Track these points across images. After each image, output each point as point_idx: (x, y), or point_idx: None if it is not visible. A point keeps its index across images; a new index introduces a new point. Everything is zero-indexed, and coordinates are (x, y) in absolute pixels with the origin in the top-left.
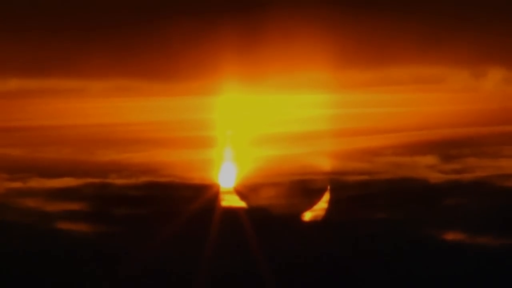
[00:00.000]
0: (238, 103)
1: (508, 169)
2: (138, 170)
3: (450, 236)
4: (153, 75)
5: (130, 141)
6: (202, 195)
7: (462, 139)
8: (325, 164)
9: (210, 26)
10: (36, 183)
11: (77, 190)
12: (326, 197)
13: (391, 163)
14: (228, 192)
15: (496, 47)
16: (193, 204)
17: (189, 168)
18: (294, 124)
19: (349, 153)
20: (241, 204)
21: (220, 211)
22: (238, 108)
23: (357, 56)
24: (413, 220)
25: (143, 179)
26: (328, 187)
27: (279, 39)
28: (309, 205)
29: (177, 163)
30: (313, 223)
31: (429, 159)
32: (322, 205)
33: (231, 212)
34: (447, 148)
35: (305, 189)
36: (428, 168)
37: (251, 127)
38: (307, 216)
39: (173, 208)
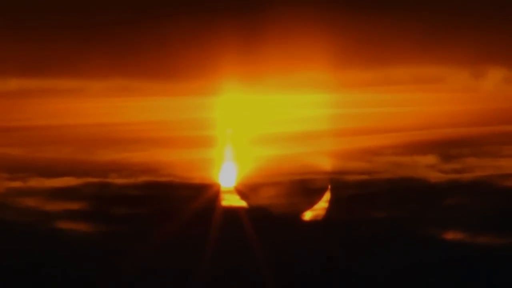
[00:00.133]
0: (238, 102)
1: (508, 168)
2: (138, 170)
3: (450, 235)
4: (153, 75)
5: (130, 140)
6: (202, 194)
7: (462, 139)
8: (325, 163)
9: (210, 26)
10: (36, 182)
11: (77, 189)
12: (326, 196)
13: (391, 163)
14: (229, 192)
15: (496, 47)
16: (193, 204)
17: (189, 167)
18: (294, 123)
19: (349, 152)
20: (242, 203)
21: (220, 211)
22: (238, 107)
23: (357, 56)
24: (413, 219)
25: (143, 178)
26: (328, 187)
27: (279, 39)
28: (309, 205)
29: (177, 162)
30: (313, 223)
31: (429, 159)
32: (322, 204)
33: (232, 211)
34: (447, 147)
35: (305, 188)
36: (428, 167)
37: (251, 127)
38: (307, 215)
39: (173, 207)
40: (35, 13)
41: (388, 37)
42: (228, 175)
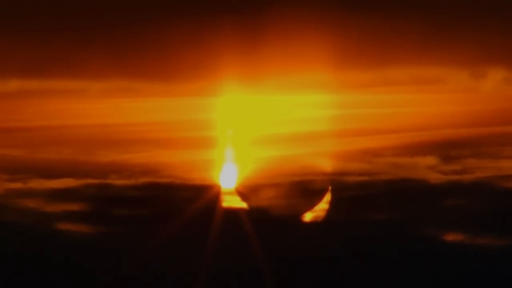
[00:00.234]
0: (238, 103)
1: (508, 170)
2: (138, 171)
3: (450, 236)
4: (153, 76)
5: (131, 141)
6: (203, 195)
7: (462, 140)
8: (326, 164)
9: (211, 27)
10: (36, 183)
11: (77, 190)
12: (327, 197)
13: (391, 164)
14: (229, 193)
15: (496, 48)
16: (194, 205)
17: (189, 168)
18: (294, 124)
19: (349, 153)
20: (242, 204)
21: (220, 212)
22: (239, 108)
23: (357, 57)
24: (413, 220)
25: (143, 179)
26: (329, 188)
27: (280, 39)
28: (310, 206)
29: (177, 163)
30: (314, 224)
31: (429, 160)
32: (322, 205)
33: (232, 212)
34: (447, 148)
35: (306, 189)
36: (428, 168)
37: (251, 128)
38: (308, 216)
39: (174, 208)
40: (35, 14)
41: (388, 38)
42: (229, 176)
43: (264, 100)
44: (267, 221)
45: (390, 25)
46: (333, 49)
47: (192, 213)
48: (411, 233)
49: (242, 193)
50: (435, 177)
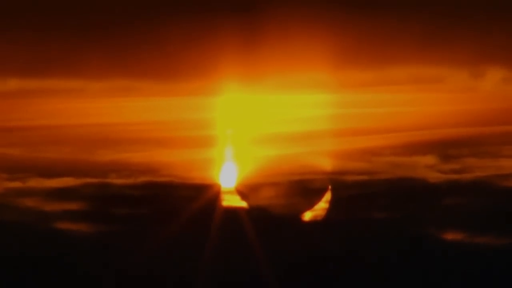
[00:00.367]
0: (238, 103)
1: (507, 169)
2: (137, 170)
3: (450, 235)
4: (153, 75)
5: (130, 141)
6: (203, 195)
7: (461, 139)
8: (325, 164)
9: (210, 26)
10: (36, 182)
11: (76, 190)
12: (326, 197)
13: (390, 163)
14: (229, 192)
15: (495, 47)
16: (194, 204)
17: (189, 168)
18: (294, 124)
19: (348, 153)
20: (242, 203)
21: (220, 211)
22: (238, 108)
23: (356, 56)
24: (412, 219)
25: (143, 179)
26: (328, 187)
27: (279, 39)
28: (309, 205)
29: (177, 163)
30: (313, 223)
31: (429, 159)
32: (322, 204)
33: (232, 211)
34: (446, 148)
35: (305, 188)
36: (427, 168)
37: (251, 127)
38: (307, 215)
39: (173, 208)
40: (35, 13)
41: (388, 37)
42: (228, 175)
43: (264, 100)
44: (267, 220)
45: (390, 25)
46: (332, 49)
47: (191, 212)
48: (411, 232)
49: (242, 192)
50: (434, 176)
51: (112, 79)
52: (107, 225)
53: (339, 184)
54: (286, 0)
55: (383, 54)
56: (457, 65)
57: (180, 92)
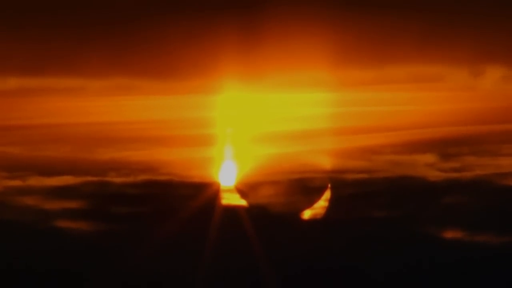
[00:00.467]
0: (238, 101)
1: (507, 167)
2: (137, 168)
3: (449, 234)
4: (152, 74)
5: (130, 139)
6: (202, 193)
7: (461, 138)
8: (325, 162)
9: (210, 24)
10: (35, 181)
11: (76, 188)
12: (326, 195)
13: (390, 161)
14: (228, 190)
15: (494, 46)
16: (193, 202)
17: (188, 166)
18: (294, 122)
19: (348, 151)
20: (241, 202)
21: (220, 209)
22: (238, 106)
23: (356, 55)
24: (412, 218)
25: (143, 177)
26: (328, 185)
27: (279, 37)
28: (309, 203)
29: (176, 161)
30: (313, 221)
31: (428, 158)
32: (321, 203)
33: (231, 210)
34: (446, 146)
35: (305, 187)
36: (427, 166)
37: (251, 125)
38: (307, 214)
39: (173, 206)
40: (34, 12)
41: (387, 36)
42: (228, 174)
43: (264, 98)
44: (267, 218)
45: (390, 23)
46: (332, 47)
47: (191, 210)
48: (410, 231)
49: (242, 191)
50: (434, 175)
51: (112, 78)
52: (106, 223)
53: (339, 182)
54: None
55: (382, 52)
56: (457, 64)
57: (179, 91)
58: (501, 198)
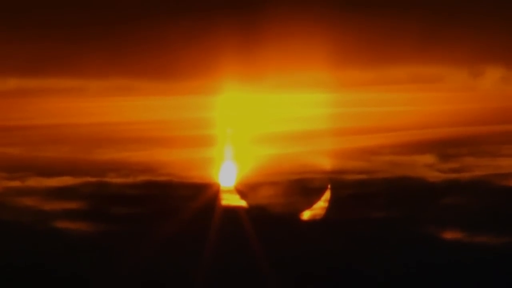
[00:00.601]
0: (238, 102)
1: (506, 168)
2: (137, 169)
3: (449, 235)
4: (152, 74)
5: (129, 140)
6: (202, 194)
7: (460, 138)
8: (324, 163)
9: (210, 25)
10: (35, 182)
11: (75, 189)
12: (325, 196)
13: (389, 162)
14: (228, 191)
15: (494, 46)
16: (193, 203)
17: (188, 167)
18: (293, 123)
19: (348, 152)
20: (241, 203)
21: (220, 210)
22: (238, 107)
23: (356, 56)
24: (411, 218)
25: (142, 178)
26: (328, 186)
27: (279, 38)
28: (308, 204)
29: (176, 162)
30: (312, 222)
31: (428, 158)
32: (321, 203)
33: (231, 211)
34: (445, 147)
35: (304, 188)
36: (426, 167)
37: (251, 126)
38: (306, 214)
39: (173, 207)
40: (34, 12)
41: (387, 37)
42: (228, 175)
43: (264, 99)
44: (266, 219)
45: (389, 24)
46: (332, 48)
47: (191, 211)
48: (409, 231)
49: (241, 191)
50: (433, 175)
51: (111, 78)
52: (106, 224)
53: (338, 183)
54: None
55: (382, 53)
56: (456, 64)
57: (179, 91)
58: (501, 199)
